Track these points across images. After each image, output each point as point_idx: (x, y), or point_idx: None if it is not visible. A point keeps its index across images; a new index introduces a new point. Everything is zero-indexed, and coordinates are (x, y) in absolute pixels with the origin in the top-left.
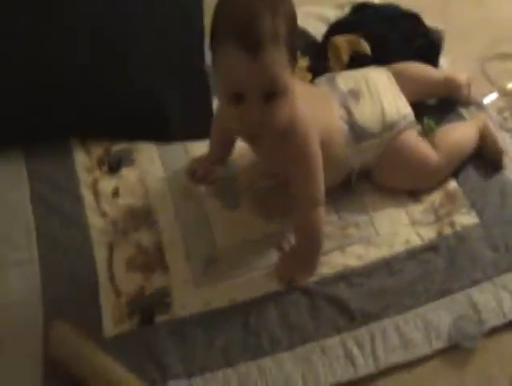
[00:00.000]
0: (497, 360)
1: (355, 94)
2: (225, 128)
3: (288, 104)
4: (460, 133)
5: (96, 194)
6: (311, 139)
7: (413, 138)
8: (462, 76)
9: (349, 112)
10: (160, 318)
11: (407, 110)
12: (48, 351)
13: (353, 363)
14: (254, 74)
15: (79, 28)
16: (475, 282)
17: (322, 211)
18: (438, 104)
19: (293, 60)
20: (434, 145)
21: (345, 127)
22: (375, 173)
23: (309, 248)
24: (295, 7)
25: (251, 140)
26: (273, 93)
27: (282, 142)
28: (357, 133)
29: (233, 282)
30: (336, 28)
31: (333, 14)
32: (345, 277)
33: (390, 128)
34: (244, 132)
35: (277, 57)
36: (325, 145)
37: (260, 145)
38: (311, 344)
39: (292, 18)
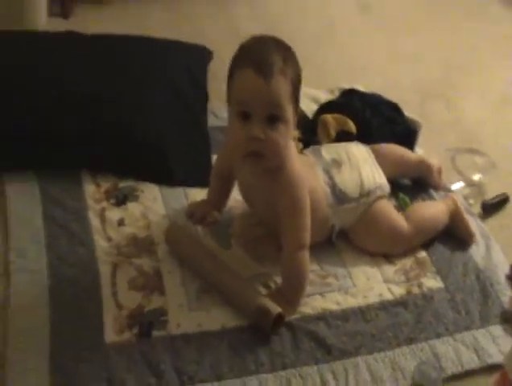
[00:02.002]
0: None
1: (337, 163)
2: (224, 168)
3: (286, 136)
4: (432, 210)
5: (102, 220)
6: (303, 191)
7: (387, 207)
8: (434, 162)
9: (331, 178)
10: (157, 333)
11: (383, 181)
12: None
13: None
14: (263, 95)
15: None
16: (438, 335)
17: (307, 254)
18: (412, 185)
19: (295, 105)
20: (406, 217)
21: (328, 190)
22: (352, 235)
23: (294, 287)
24: None
25: (254, 162)
26: (275, 117)
27: (277, 190)
28: (338, 195)
29: (223, 310)
30: (326, 107)
31: (324, 97)
32: (325, 317)
33: (367, 194)
34: (248, 148)
35: (283, 88)
36: (311, 203)
37: (260, 176)
38: (291, 370)
39: (298, 73)
